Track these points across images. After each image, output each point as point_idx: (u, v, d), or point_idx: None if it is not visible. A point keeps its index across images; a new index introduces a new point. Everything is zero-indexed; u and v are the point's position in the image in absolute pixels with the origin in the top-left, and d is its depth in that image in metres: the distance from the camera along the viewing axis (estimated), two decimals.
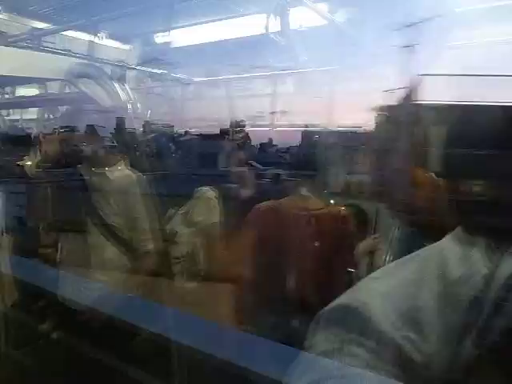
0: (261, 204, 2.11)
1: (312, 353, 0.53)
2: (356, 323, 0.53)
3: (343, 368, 0.50)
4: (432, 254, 0.58)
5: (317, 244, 1.99)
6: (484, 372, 0.48)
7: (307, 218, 2.00)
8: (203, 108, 4.16)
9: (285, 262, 1.98)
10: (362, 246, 2.22)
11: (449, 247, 0.56)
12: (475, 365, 0.48)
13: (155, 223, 1.83)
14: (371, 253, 2.33)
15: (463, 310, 0.49)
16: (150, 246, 1.88)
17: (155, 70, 2.77)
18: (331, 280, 1.92)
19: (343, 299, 0.58)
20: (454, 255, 0.54)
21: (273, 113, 2.84)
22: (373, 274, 0.61)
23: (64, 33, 3.32)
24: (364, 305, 0.54)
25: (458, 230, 0.58)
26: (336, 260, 1.97)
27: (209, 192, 2.22)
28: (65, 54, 2.59)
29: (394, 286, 0.56)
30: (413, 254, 0.61)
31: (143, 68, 3.04)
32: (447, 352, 0.49)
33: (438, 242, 0.59)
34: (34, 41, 2.66)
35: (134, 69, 3.28)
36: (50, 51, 2.77)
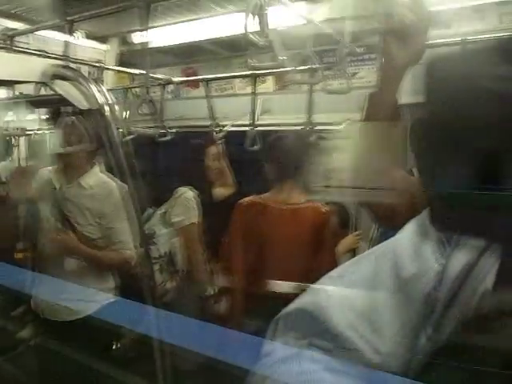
0: (244, 199, 2.11)
1: (271, 359, 0.53)
2: (313, 326, 0.53)
3: (302, 374, 0.49)
4: (386, 251, 0.58)
5: (299, 239, 2.00)
6: (440, 368, 0.49)
7: (289, 212, 2.01)
8: (183, 108, 4.12)
9: (268, 256, 1.99)
10: (343, 243, 2.25)
11: (403, 243, 0.57)
12: (431, 361, 0.49)
13: (136, 229, 1.81)
14: (352, 250, 2.35)
15: (417, 308, 0.50)
16: (129, 255, 1.83)
17: (133, 71, 2.73)
18: (312, 275, 1.93)
19: (300, 302, 0.58)
20: (407, 251, 0.55)
21: (253, 112, 2.84)
22: (330, 273, 0.61)
23: (38, 33, 3.25)
24: (321, 307, 0.54)
25: (413, 224, 0.58)
26: (317, 256, 1.98)
27: (187, 192, 2.21)
28: (39, 55, 2.53)
29: (350, 285, 0.56)
30: (368, 251, 0.61)
31: (121, 68, 3.00)
32: (403, 350, 0.50)
33: (391, 238, 0.59)
34: (6, 41, 2.59)
35: (111, 69, 3.23)
36: (23, 52, 2.70)
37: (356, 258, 0.63)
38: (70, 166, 1.88)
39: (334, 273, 0.63)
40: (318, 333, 0.53)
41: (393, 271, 0.54)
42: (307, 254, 1.98)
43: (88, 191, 1.87)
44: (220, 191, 2.76)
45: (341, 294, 0.56)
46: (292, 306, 0.58)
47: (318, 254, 1.98)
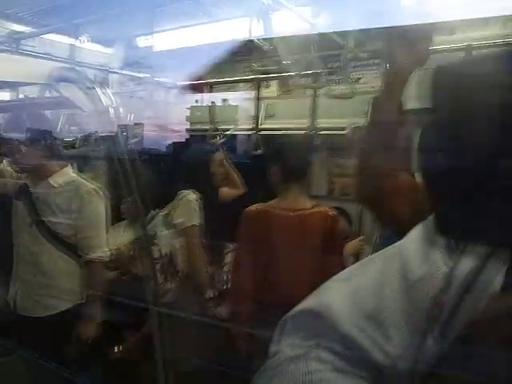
0: (250, 207, 2.11)
1: (278, 359, 0.53)
2: (321, 327, 0.53)
3: (309, 374, 0.49)
4: (394, 253, 0.58)
5: (308, 244, 1.99)
6: (447, 370, 0.49)
7: (297, 218, 2.00)
8: (185, 111, 4.14)
9: (276, 263, 1.98)
10: (347, 247, 2.24)
11: (410, 246, 0.56)
12: (438, 363, 0.48)
13: (112, 229, 1.84)
14: (356, 255, 2.34)
15: (425, 310, 0.49)
16: (96, 255, 1.85)
17: (138, 74, 2.75)
18: (322, 280, 1.91)
19: (307, 303, 0.57)
20: (415, 254, 0.54)
21: (257, 116, 2.85)
22: (337, 276, 0.61)
23: (44, 36, 3.27)
24: (328, 308, 0.54)
25: (420, 228, 0.58)
26: (325, 261, 1.97)
27: (189, 195, 2.21)
28: (45, 58, 2.55)
29: (357, 288, 0.56)
30: (376, 254, 0.61)
31: (125, 72, 3.02)
32: (411, 352, 0.49)
33: (399, 242, 0.59)
34: (12, 44, 2.61)
35: (116, 73, 3.25)
36: (29, 55, 2.72)
37: (363, 260, 0.62)
38: (40, 167, 1.92)
39: (341, 275, 0.62)
40: (326, 333, 0.53)
41: (400, 273, 0.54)
42: (317, 259, 1.97)
43: (57, 189, 1.90)
44: (229, 192, 2.78)
45: (348, 295, 0.56)
46: (300, 307, 0.58)
47: (327, 258, 1.96)
